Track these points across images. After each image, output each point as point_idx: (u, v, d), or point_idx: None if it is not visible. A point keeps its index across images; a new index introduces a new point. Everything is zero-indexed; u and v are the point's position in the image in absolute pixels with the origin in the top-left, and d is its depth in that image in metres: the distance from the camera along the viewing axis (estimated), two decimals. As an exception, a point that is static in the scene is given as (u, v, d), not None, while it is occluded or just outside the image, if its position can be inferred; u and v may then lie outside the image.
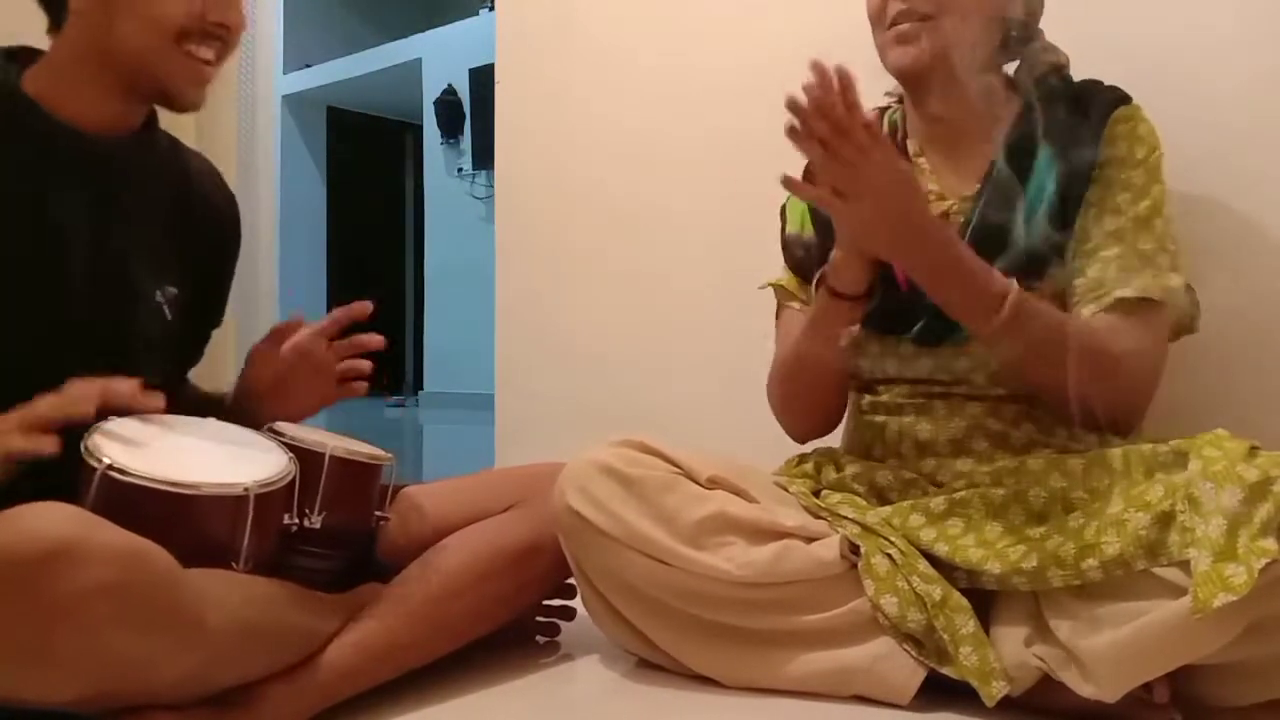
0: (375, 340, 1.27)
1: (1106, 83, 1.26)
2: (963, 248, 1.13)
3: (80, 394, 0.98)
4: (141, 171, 1.20)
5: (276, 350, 1.26)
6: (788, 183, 1.10)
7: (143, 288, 1.18)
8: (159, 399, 1.03)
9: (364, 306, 1.27)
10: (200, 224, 1.27)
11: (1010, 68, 1.32)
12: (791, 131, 1.06)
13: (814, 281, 1.27)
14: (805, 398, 1.36)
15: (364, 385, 1.31)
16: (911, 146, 1.33)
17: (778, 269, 1.43)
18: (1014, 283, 1.11)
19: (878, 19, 1.24)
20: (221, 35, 1.12)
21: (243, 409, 1.26)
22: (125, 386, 1.01)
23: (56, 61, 1.13)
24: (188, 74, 1.12)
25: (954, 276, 1.12)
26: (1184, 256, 1.19)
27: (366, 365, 1.29)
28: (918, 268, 1.13)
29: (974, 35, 1.22)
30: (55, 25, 1.14)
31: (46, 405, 0.97)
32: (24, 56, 1.15)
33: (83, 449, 0.96)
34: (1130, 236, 1.17)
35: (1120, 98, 1.23)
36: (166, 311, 1.20)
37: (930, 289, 1.14)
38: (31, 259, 1.09)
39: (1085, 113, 1.21)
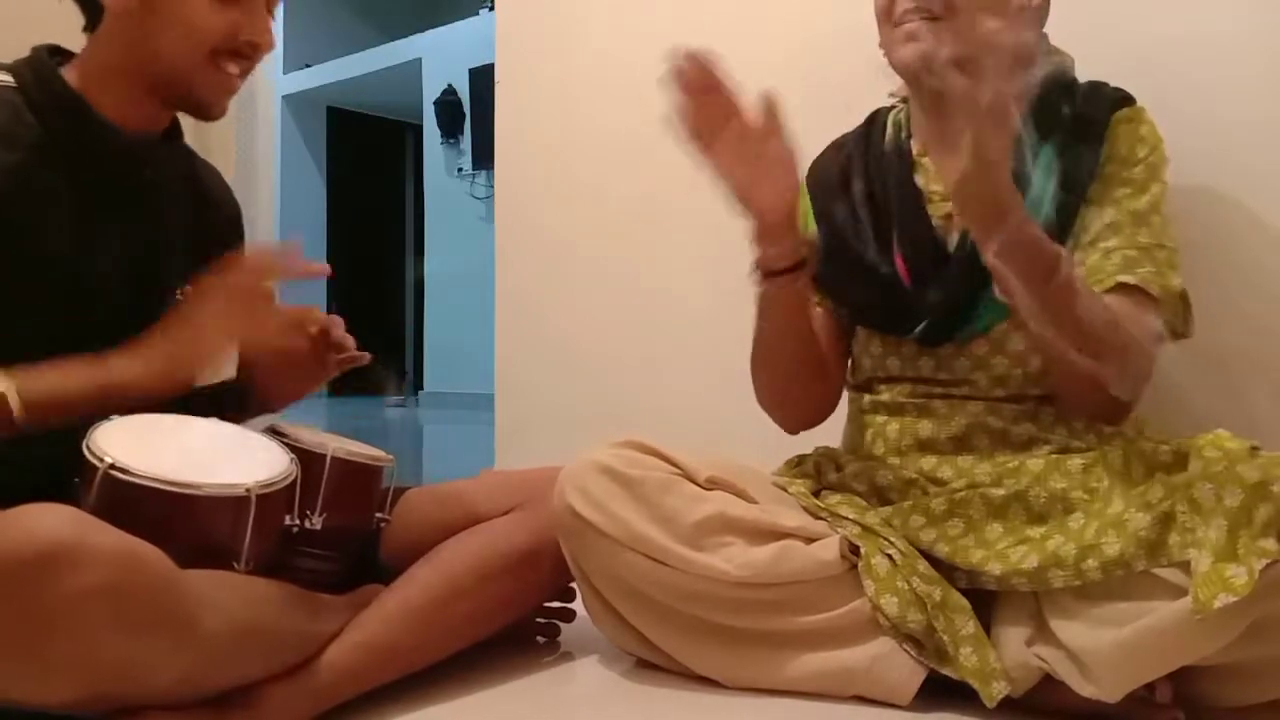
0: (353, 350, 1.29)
1: (1110, 82, 1.26)
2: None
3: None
4: (168, 172, 1.21)
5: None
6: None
7: (167, 284, 1.19)
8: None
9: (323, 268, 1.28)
10: (211, 229, 1.28)
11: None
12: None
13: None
14: (781, 387, 1.35)
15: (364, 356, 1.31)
16: (915, 146, 1.33)
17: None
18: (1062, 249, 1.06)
19: (885, 16, 1.24)
20: (250, 55, 1.15)
21: (245, 390, 1.28)
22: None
23: (93, 60, 1.14)
24: (217, 86, 1.14)
25: (1019, 226, 1.03)
26: (1180, 258, 1.19)
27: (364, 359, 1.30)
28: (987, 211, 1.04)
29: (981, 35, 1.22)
30: (91, 25, 1.15)
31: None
32: (63, 54, 1.16)
33: (84, 448, 0.96)
34: (1128, 229, 1.17)
35: (1123, 98, 1.23)
36: None
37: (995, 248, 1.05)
38: (66, 251, 1.09)
39: (1088, 113, 1.21)
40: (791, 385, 1.35)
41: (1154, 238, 1.17)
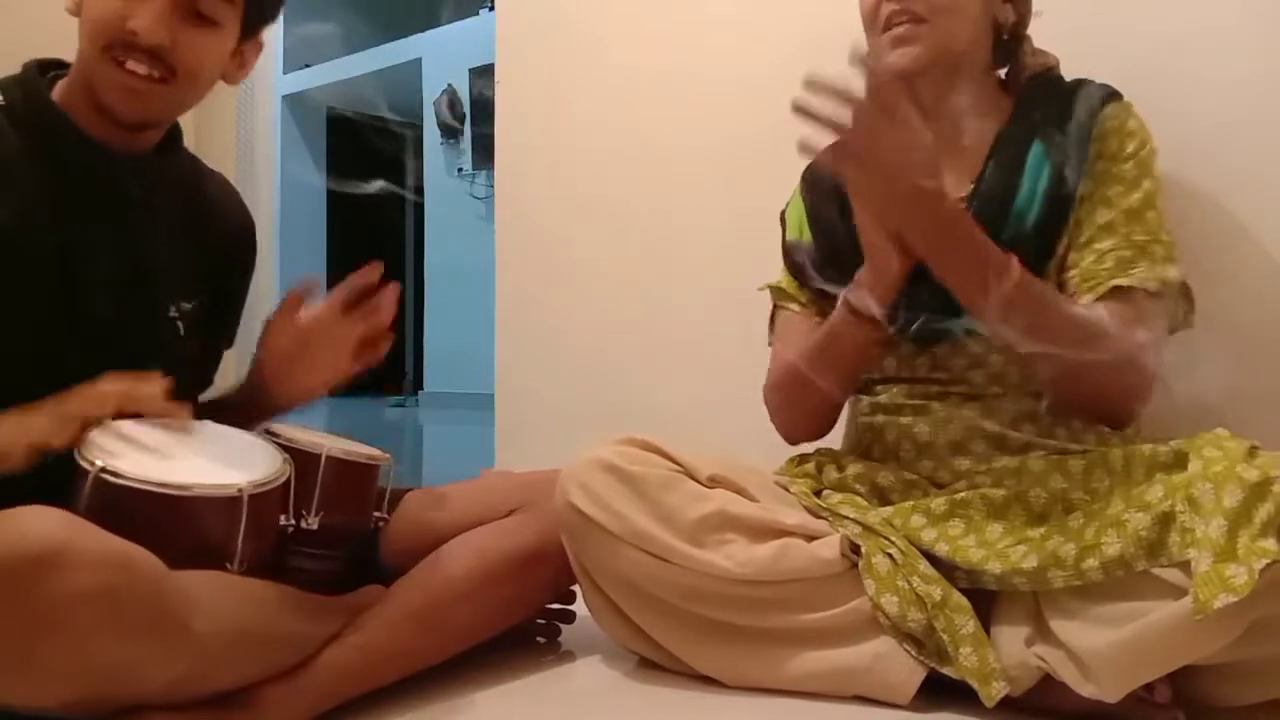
0: (389, 304, 1.26)
1: (1099, 80, 1.26)
2: (968, 219, 1.12)
3: (105, 393, 1.01)
4: (161, 187, 1.19)
5: (292, 318, 1.24)
6: (804, 148, 1.07)
7: (159, 302, 1.18)
8: (182, 408, 1.04)
9: (374, 269, 1.25)
10: (216, 241, 1.27)
11: (1001, 72, 1.32)
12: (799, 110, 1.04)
13: (819, 294, 1.28)
14: (804, 408, 1.36)
15: (383, 349, 1.28)
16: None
17: (777, 268, 1.42)
18: (1013, 257, 1.10)
19: (871, 22, 1.24)
20: (141, 48, 1.07)
21: (257, 387, 1.25)
22: (149, 390, 1.03)
23: (73, 74, 1.13)
24: (115, 84, 1.08)
25: (962, 247, 1.11)
26: (1179, 250, 1.19)
27: (385, 322, 1.27)
28: (926, 235, 1.12)
29: (967, 37, 1.22)
30: None
31: (77, 402, 0.99)
32: (56, 69, 1.15)
33: (76, 452, 0.96)
34: (1123, 228, 1.17)
35: (1109, 95, 1.23)
36: (180, 326, 1.20)
37: (935, 260, 1.13)
38: (51, 270, 1.08)
39: (1075, 111, 1.22)
40: (816, 406, 1.35)
41: (1149, 233, 1.17)
